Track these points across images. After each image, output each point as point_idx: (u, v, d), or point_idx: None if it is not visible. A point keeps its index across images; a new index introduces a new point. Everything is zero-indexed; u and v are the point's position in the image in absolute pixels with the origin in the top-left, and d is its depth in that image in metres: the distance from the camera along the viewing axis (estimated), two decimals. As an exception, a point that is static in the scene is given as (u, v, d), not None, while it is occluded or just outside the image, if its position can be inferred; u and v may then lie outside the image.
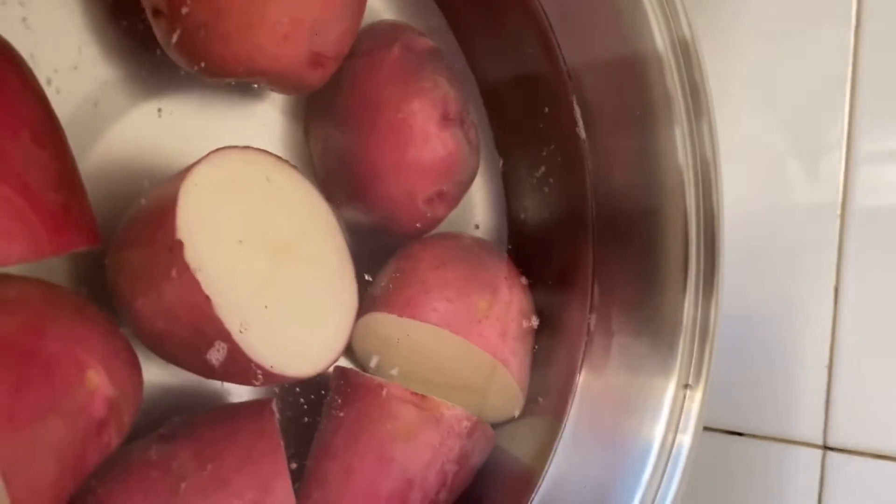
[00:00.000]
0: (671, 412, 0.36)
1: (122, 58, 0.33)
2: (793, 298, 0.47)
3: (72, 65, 0.32)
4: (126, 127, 0.33)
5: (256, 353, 0.29)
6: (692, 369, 0.37)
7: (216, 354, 0.29)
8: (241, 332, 0.29)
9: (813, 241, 0.46)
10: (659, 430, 0.36)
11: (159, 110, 0.34)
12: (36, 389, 0.25)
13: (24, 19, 0.31)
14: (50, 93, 0.28)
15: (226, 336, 0.28)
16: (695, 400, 0.36)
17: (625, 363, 0.39)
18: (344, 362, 0.40)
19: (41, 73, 0.29)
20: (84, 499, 0.29)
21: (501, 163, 0.44)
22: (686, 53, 0.35)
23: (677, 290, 0.37)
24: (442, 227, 0.41)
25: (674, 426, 0.36)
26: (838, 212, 0.46)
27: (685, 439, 0.36)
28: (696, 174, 0.36)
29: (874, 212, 0.45)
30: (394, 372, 0.39)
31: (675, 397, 0.37)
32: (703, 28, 0.40)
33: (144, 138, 0.34)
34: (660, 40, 0.35)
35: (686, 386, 0.37)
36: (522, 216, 0.44)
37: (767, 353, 0.47)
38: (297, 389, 0.37)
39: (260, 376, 0.30)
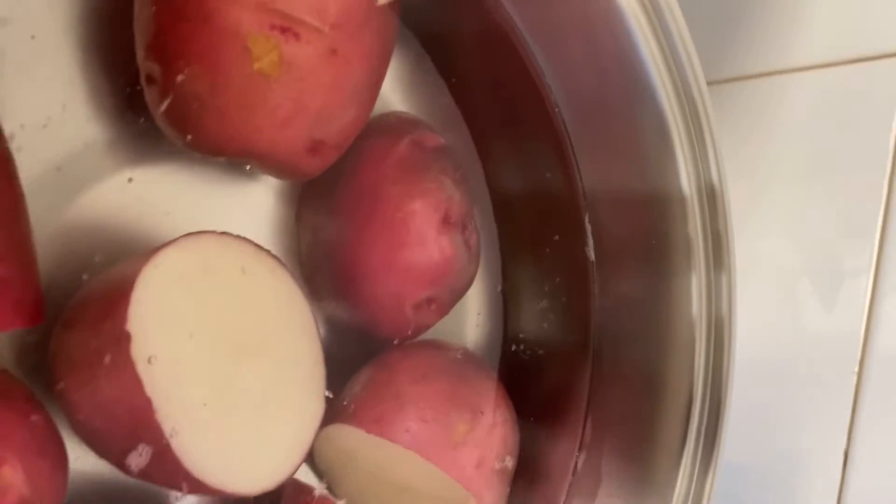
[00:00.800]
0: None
1: (106, 120, 0.31)
2: (800, 454, 0.44)
3: (42, 123, 0.30)
4: (100, 195, 0.31)
5: (199, 468, 0.26)
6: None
7: (155, 463, 0.26)
8: (180, 441, 0.25)
9: (827, 396, 0.43)
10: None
11: (130, 180, 0.32)
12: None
13: None
14: (16, 151, 0.26)
15: (163, 444, 0.25)
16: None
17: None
18: (303, 469, 0.37)
19: (8, 126, 0.27)
20: None
21: (500, 285, 0.41)
22: (712, 200, 0.33)
23: (673, 451, 0.33)
24: (432, 333, 0.38)
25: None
26: (855, 368, 0.43)
27: None
28: (708, 330, 0.33)
29: (892, 374, 0.42)
30: (354, 487, 0.36)
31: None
32: (729, 156, 0.38)
33: (118, 208, 0.31)
34: (685, 181, 0.32)
35: (675, 553, 0.33)
36: (519, 335, 0.41)
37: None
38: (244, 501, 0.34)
39: (207, 492, 0.27)
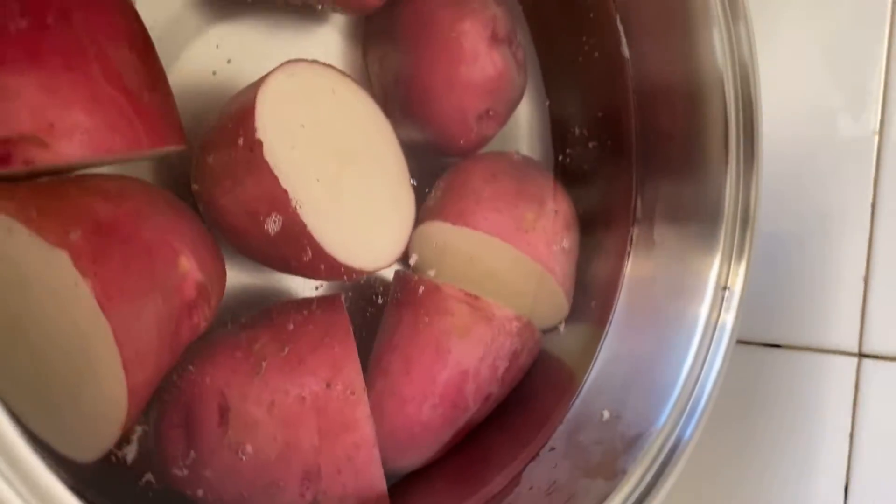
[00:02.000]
0: (715, 290, 0.38)
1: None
2: (830, 213, 0.48)
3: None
4: (199, 48, 0.36)
5: (329, 245, 0.32)
6: (734, 252, 0.39)
7: (293, 247, 0.33)
8: (315, 224, 0.32)
9: (851, 156, 0.48)
10: (703, 310, 0.38)
11: (223, 37, 0.37)
12: (139, 268, 0.29)
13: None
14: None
15: (301, 228, 0.32)
16: (737, 281, 0.38)
17: (668, 250, 0.41)
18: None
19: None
20: (179, 374, 0.32)
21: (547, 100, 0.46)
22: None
23: (719, 173, 0.38)
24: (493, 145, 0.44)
25: (717, 307, 0.38)
26: (876, 128, 0.47)
27: (728, 318, 0.38)
28: (734, 72, 0.37)
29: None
30: (447, 277, 0.42)
31: (719, 272, 0.38)
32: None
33: (216, 59, 0.37)
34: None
35: (724, 288, 0.39)
36: (569, 131, 0.46)
37: (804, 267, 0.49)
38: (362, 288, 0.40)
39: (334, 269, 0.34)
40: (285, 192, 0.31)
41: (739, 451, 0.50)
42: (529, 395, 0.42)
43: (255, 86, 0.32)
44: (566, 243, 0.42)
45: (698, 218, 0.39)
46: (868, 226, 0.47)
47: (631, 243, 0.43)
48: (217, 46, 0.37)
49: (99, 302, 0.27)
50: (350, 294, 0.41)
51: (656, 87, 0.40)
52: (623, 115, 0.42)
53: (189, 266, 0.31)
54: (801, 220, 0.50)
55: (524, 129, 0.47)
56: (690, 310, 0.38)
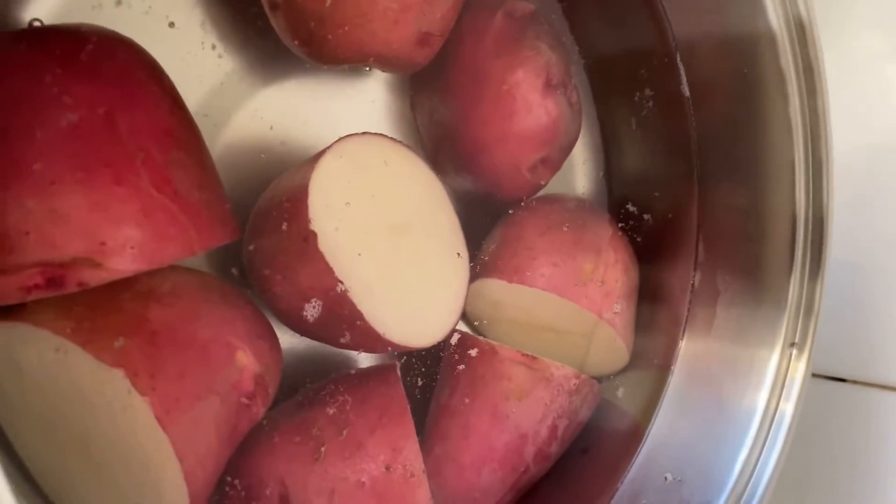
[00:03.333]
0: (775, 378, 0.37)
1: (242, 48, 0.35)
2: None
3: (196, 58, 0.34)
4: (246, 114, 0.35)
5: (386, 329, 0.32)
6: (799, 329, 0.37)
7: (348, 330, 0.32)
8: (370, 310, 0.31)
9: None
10: (762, 397, 0.37)
11: (268, 103, 0.36)
12: (196, 373, 0.28)
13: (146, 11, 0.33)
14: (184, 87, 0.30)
15: (357, 316, 0.31)
16: (798, 368, 0.37)
17: (730, 323, 0.39)
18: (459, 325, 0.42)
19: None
20: (237, 463, 0.32)
21: (600, 135, 0.44)
22: (801, 33, 0.34)
23: (783, 263, 0.37)
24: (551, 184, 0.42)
25: (777, 393, 0.37)
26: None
27: (788, 407, 0.37)
28: (805, 150, 0.36)
29: None
30: (503, 332, 0.41)
31: (780, 361, 0.37)
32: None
33: (264, 123, 0.36)
34: (773, 16, 0.34)
35: (793, 344, 0.37)
36: (625, 178, 0.44)
37: (874, 301, 0.47)
38: (417, 355, 0.39)
39: (387, 347, 0.33)
40: (339, 280, 0.30)
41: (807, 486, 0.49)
42: (592, 451, 0.42)
43: (306, 169, 0.31)
44: (625, 290, 0.41)
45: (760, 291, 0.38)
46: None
47: (693, 290, 0.41)
48: (261, 115, 0.36)
49: (157, 417, 0.26)
50: (406, 356, 0.40)
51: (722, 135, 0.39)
52: (686, 158, 0.40)
53: (246, 360, 0.30)
54: (877, 250, 0.47)
55: (579, 165, 0.45)
56: (747, 396, 0.37)
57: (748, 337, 0.39)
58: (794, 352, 0.38)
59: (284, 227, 0.30)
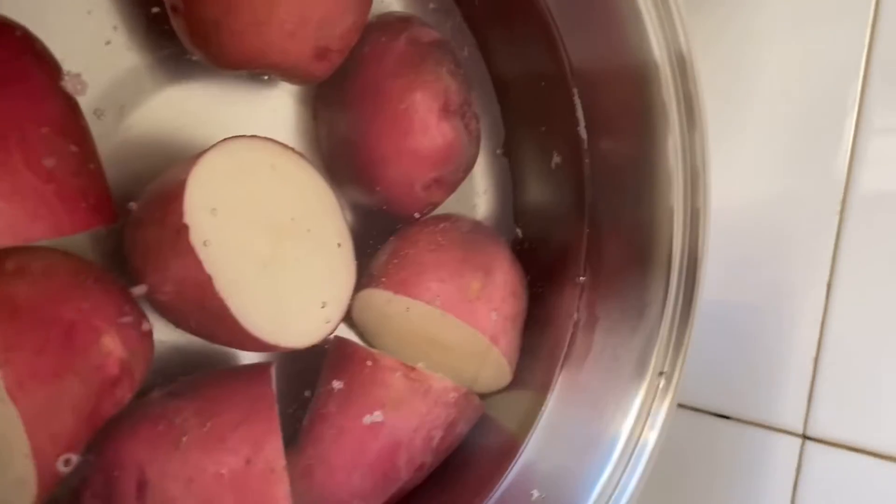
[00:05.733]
0: (641, 406, 0.39)
1: (148, 46, 0.36)
2: (786, 288, 0.48)
3: (100, 52, 0.35)
4: (149, 110, 0.36)
5: (255, 327, 0.33)
6: (668, 360, 0.39)
7: (219, 326, 0.33)
8: (240, 307, 0.32)
9: (810, 233, 0.47)
10: (628, 423, 0.39)
11: (174, 101, 0.37)
12: (55, 351, 0.29)
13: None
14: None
15: (225, 311, 0.32)
16: (665, 398, 0.39)
17: (606, 351, 0.41)
18: (346, 332, 0.43)
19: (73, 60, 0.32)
20: (99, 445, 0.33)
21: (501, 151, 0.46)
22: (682, 67, 0.36)
23: (658, 298, 0.39)
24: (448, 207, 0.44)
25: (642, 421, 0.39)
26: (838, 207, 0.46)
27: (652, 436, 0.38)
28: (685, 183, 0.38)
29: (873, 208, 0.46)
30: (389, 344, 0.42)
31: (647, 391, 0.39)
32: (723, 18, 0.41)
33: (165, 121, 0.37)
34: (657, 51, 0.36)
35: (661, 373, 0.39)
36: (524, 204, 0.46)
37: (758, 340, 0.49)
38: (297, 356, 0.40)
39: (261, 347, 0.34)
40: (209, 276, 0.31)
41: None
42: (467, 463, 0.43)
43: (187, 165, 0.32)
44: (512, 311, 0.42)
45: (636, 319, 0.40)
46: (822, 307, 0.47)
47: (576, 317, 0.43)
48: (163, 112, 0.37)
49: (8, 389, 0.27)
50: (285, 359, 0.41)
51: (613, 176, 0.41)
52: (579, 193, 0.42)
53: (112, 345, 0.31)
54: (760, 291, 0.49)
55: (483, 187, 0.47)
56: (615, 422, 0.39)
57: (621, 365, 0.40)
58: (662, 382, 0.39)
59: (161, 218, 0.31)
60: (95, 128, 0.34)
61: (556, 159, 0.43)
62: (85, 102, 0.33)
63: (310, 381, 0.41)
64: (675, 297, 0.39)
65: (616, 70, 0.39)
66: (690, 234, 0.39)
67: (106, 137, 0.36)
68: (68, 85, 0.33)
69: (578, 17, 0.39)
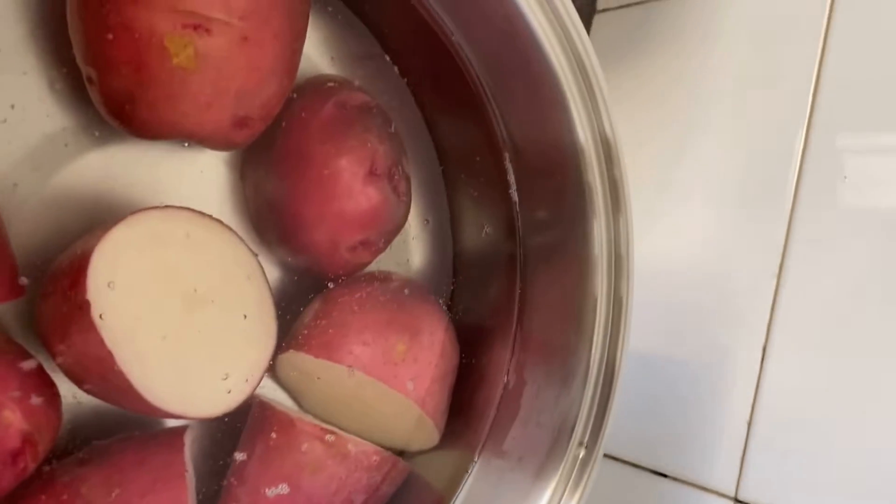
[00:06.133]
0: (562, 472, 0.39)
1: (77, 107, 0.36)
2: (723, 347, 0.48)
3: (19, 113, 0.35)
4: (68, 175, 0.37)
5: (157, 399, 0.33)
6: (589, 433, 0.39)
7: (124, 397, 0.33)
8: (141, 379, 0.32)
9: (748, 294, 0.47)
10: (550, 487, 0.39)
11: (103, 159, 0.37)
12: (-51, 429, 0.29)
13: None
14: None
15: (127, 384, 0.32)
16: (587, 466, 0.39)
17: (532, 414, 0.41)
18: (272, 390, 0.43)
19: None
20: (4, 513, 0.33)
21: (440, 218, 0.46)
22: (608, 150, 0.36)
23: (582, 358, 0.39)
24: (382, 264, 0.44)
25: (562, 486, 0.39)
26: (776, 270, 0.46)
27: (573, 500, 0.38)
28: (609, 264, 0.38)
29: (810, 274, 0.46)
30: (318, 405, 0.42)
31: (568, 457, 0.39)
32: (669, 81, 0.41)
33: (86, 185, 0.37)
34: (581, 134, 0.36)
35: (581, 444, 0.39)
36: (462, 262, 0.46)
37: (694, 399, 0.49)
38: (220, 420, 0.40)
39: (166, 414, 0.34)
40: (110, 352, 0.31)
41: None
42: (393, 521, 0.43)
43: (95, 237, 0.32)
44: (440, 372, 0.42)
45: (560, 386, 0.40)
46: (757, 370, 0.46)
47: (506, 377, 0.43)
48: (87, 174, 0.37)
49: None
50: (210, 422, 0.41)
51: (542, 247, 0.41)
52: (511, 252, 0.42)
53: (13, 417, 0.31)
54: (698, 348, 0.49)
55: (421, 242, 0.47)
56: (539, 483, 0.39)
57: (544, 431, 0.40)
58: (583, 452, 0.39)
59: (64, 292, 0.32)
60: (12, 193, 0.34)
61: (488, 227, 0.44)
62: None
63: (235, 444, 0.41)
64: (595, 375, 0.39)
65: (547, 150, 0.39)
66: (613, 319, 0.39)
67: (25, 202, 0.36)
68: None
69: (506, 91, 0.39)
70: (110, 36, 0.32)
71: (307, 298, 0.43)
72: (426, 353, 0.42)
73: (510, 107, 0.40)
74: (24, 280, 0.33)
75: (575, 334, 0.40)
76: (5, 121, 0.35)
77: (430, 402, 0.42)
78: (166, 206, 0.34)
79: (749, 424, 0.46)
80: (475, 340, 0.44)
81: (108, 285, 0.32)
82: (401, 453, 0.44)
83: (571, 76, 0.36)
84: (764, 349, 0.46)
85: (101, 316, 0.31)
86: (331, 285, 0.42)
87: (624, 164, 0.37)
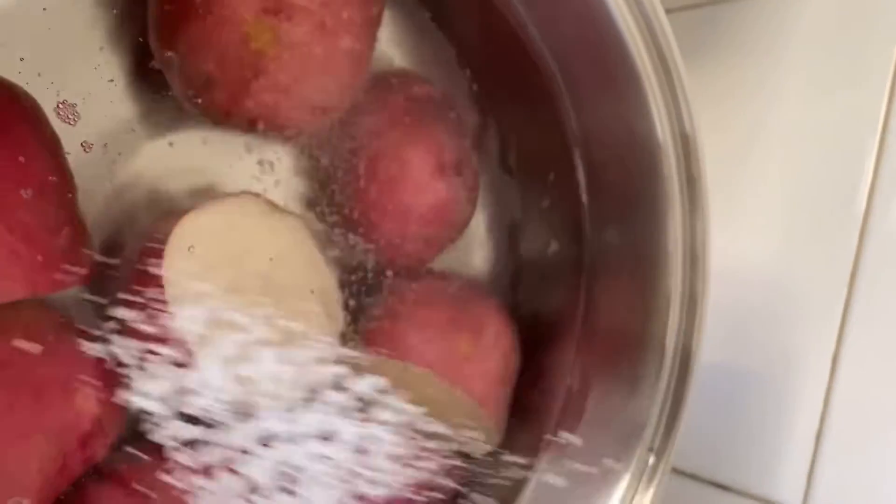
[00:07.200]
0: (630, 480, 0.38)
1: (140, 97, 0.36)
2: (791, 357, 0.47)
3: (97, 102, 0.35)
4: (143, 159, 0.37)
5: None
6: (660, 435, 0.38)
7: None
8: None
9: (819, 303, 0.46)
10: (618, 495, 0.38)
11: (171, 144, 0.37)
12: (24, 410, 0.29)
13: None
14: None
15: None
16: (656, 473, 0.38)
17: (597, 419, 0.40)
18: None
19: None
20: (70, 499, 0.33)
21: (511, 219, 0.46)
22: (686, 147, 0.35)
23: (653, 364, 0.38)
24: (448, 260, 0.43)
25: (631, 494, 0.38)
26: (847, 279, 0.45)
27: (644, 504, 0.37)
28: (684, 265, 0.37)
29: (882, 284, 0.44)
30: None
31: (637, 463, 0.38)
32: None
33: (160, 170, 0.37)
34: (660, 130, 0.35)
35: (651, 450, 0.38)
36: (524, 266, 0.45)
37: (760, 408, 0.48)
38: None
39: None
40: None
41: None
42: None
43: (174, 219, 0.32)
44: (502, 373, 0.41)
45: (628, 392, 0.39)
46: (827, 381, 0.45)
47: (569, 383, 0.42)
48: (160, 159, 0.37)
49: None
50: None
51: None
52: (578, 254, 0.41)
53: (86, 403, 0.31)
54: (764, 357, 0.48)
55: (485, 243, 0.46)
56: (604, 490, 0.38)
57: (612, 435, 0.39)
58: (653, 458, 0.38)
59: (142, 271, 0.31)
60: (85, 169, 0.34)
61: (554, 227, 0.43)
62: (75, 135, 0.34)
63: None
64: (667, 379, 0.38)
65: (622, 146, 0.38)
66: (687, 320, 0.37)
67: (101, 187, 0.36)
68: (61, 113, 0.33)
69: (581, 85, 0.39)
70: (192, 19, 0.32)
71: (370, 290, 0.42)
72: (489, 353, 0.41)
73: (584, 99, 0.39)
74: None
75: (645, 336, 0.38)
76: (75, 105, 0.35)
77: (492, 403, 0.41)
78: (242, 193, 0.34)
79: (818, 437, 0.45)
80: (537, 341, 0.43)
81: (183, 267, 0.31)
82: (460, 453, 0.43)
83: (651, 66, 0.35)
84: (834, 359, 0.45)
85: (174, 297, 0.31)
86: (393, 278, 0.41)
87: (703, 161, 0.36)
